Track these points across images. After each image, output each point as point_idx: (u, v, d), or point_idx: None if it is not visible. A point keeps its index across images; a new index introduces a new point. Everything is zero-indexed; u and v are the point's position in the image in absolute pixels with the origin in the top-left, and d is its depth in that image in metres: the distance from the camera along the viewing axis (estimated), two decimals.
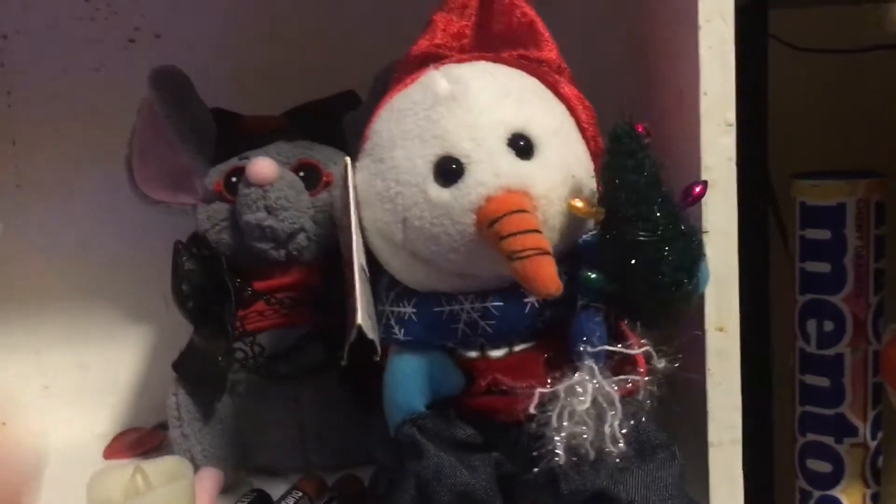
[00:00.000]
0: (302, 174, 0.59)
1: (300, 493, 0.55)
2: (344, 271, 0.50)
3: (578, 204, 0.43)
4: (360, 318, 0.43)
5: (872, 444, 0.73)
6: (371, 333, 0.45)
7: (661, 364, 0.43)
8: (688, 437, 0.51)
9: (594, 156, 0.49)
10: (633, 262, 0.42)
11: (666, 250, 0.41)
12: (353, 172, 0.49)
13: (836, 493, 0.73)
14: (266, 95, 0.68)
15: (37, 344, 0.74)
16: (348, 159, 0.50)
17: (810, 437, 0.74)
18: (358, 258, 0.46)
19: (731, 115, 0.47)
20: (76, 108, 0.72)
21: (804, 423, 0.74)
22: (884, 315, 0.72)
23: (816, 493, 0.74)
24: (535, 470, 0.42)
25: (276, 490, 0.57)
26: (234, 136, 0.63)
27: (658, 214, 0.42)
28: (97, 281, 0.74)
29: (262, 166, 0.56)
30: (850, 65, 0.80)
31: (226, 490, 0.60)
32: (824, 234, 0.72)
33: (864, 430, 0.72)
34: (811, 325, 0.73)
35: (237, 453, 0.61)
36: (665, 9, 0.54)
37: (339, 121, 0.63)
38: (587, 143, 0.49)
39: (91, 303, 0.74)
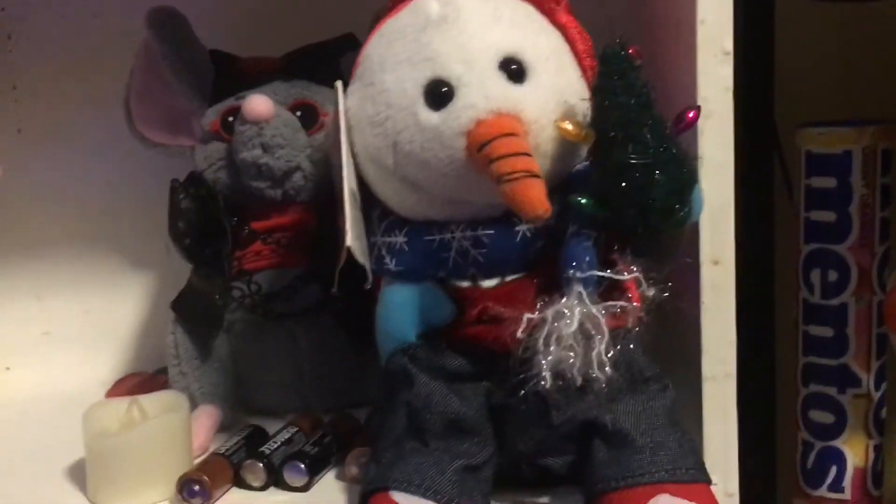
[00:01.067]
0: (299, 114, 0.59)
1: (295, 428, 0.55)
2: (337, 206, 0.50)
3: (568, 126, 0.43)
4: (349, 240, 0.43)
5: (876, 395, 0.72)
6: (361, 257, 0.45)
7: (650, 292, 0.42)
8: (682, 372, 0.51)
9: (590, 86, 0.48)
10: (622, 185, 0.41)
11: (657, 173, 0.41)
12: (345, 97, 0.48)
13: (838, 444, 0.73)
14: (265, 38, 0.68)
15: (38, 289, 0.75)
16: (339, 83, 0.49)
17: (813, 387, 0.73)
18: (348, 183, 0.46)
19: (729, 44, 0.46)
20: (76, 53, 0.72)
21: (807, 374, 0.74)
22: (889, 265, 0.72)
23: (819, 444, 0.74)
24: (522, 394, 0.42)
25: (272, 428, 0.57)
26: (231, 76, 0.62)
27: (649, 137, 0.41)
28: (98, 225, 0.74)
29: (258, 103, 0.56)
30: (860, 13, 0.78)
31: (223, 428, 0.60)
32: (830, 183, 0.71)
33: (868, 380, 0.72)
34: (815, 275, 0.72)
35: (235, 392, 0.61)
36: None
37: (337, 63, 0.63)
38: (584, 72, 0.48)
39: (92, 248, 0.74)
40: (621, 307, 0.42)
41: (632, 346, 0.45)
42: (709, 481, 0.45)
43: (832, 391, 0.73)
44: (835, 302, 0.71)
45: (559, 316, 0.41)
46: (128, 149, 0.66)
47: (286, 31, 0.67)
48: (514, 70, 0.44)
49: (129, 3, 0.71)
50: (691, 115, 0.44)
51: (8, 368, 0.76)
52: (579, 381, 0.41)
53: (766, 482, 0.77)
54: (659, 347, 0.47)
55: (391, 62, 0.46)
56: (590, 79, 0.49)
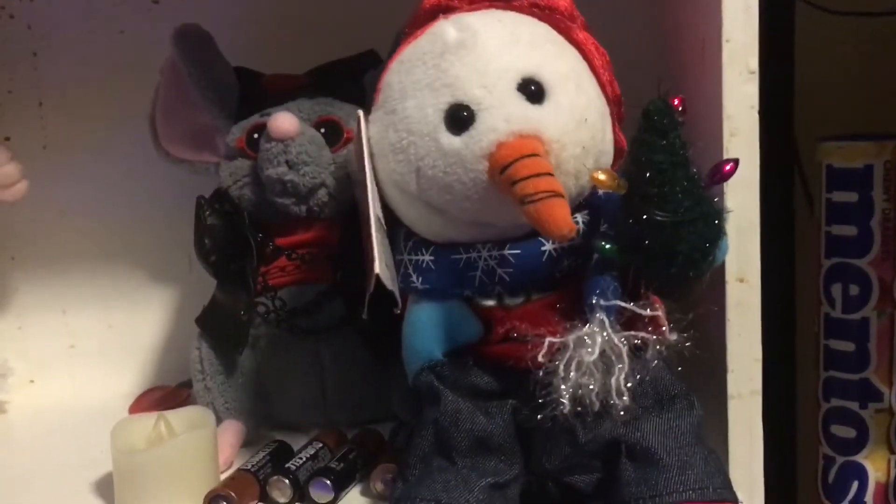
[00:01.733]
0: (323, 130, 0.60)
1: (320, 444, 0.55)
2: (361, 226, 0.50)
3: (601, 177, 0.43)
4: (377, 268, 0.43)
5: None
6: (390, 284, 0.45)
7: (673, 336, 0.43)
8: (708, 390, 0.51)
9: (610, 101, 0.49)
10: (648, 240, 0.41)
11: (683, 232, 0.41)
12: (367, 125, 0.49)
13: (860, 458, 0.73)
14: (289, 55, 0.69)
15: (63, 303, 0.76)
16: (361, 112, 0.50)
17: (834, 402, 0.73)
18: (374, 209, 0.46)
19: (754, 63, 0.46)
20: (101, 70, 0.73)
21: (828, 389, 0.73)
22: None
23: (840, 459, 0.74)
24: (539, 417, 0.42)
25: (296, 444, 0.57)
26: (256, 94, 0.63)
27: (680, 196, 0.41)
28: (122, 241, 0.75)
29: (284, 121, 0.57)
30: (880, 27, 0.79)
31: (247, 443, 0.60)
32: (851, 197, 0.71)
33: (890, 395, 0.72)
34: (836, 290, 0.72)
35: (259, 407, 0.62)
36: None
37: (360, 80, 0.63)
38: (603, 89, 0.48)
39: (116, 263, 0.75)
40: (643, 338, 0.42)
41: (656, 365, 0.45)
42: (736, 500, 0.45)
43: (854, 406, 0.73)
44: (856, 316, 0.71)
45: (581, 343, 0.41)
46: (152, 165, 0.66)
47: (310, 47, 0.68)
48: (532, 91, 0.45)
49: (155, 19, 0.72)
50: (728, 168, 0.44)
51: (32, 381, 0.76)
52: (597, 406, 0.41)
53: (787, 497, 0.77)
54: (685, 364, 0.47)
55: (411, 89, 0.46)
56: (609, 94, 0.49)
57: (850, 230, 0.71)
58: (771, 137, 0.73)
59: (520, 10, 0.49)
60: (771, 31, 0.73)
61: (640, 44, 0.61)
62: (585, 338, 0.41)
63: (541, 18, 0.49)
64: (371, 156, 0.48)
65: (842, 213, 0.71)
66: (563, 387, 0.41)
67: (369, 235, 0.46)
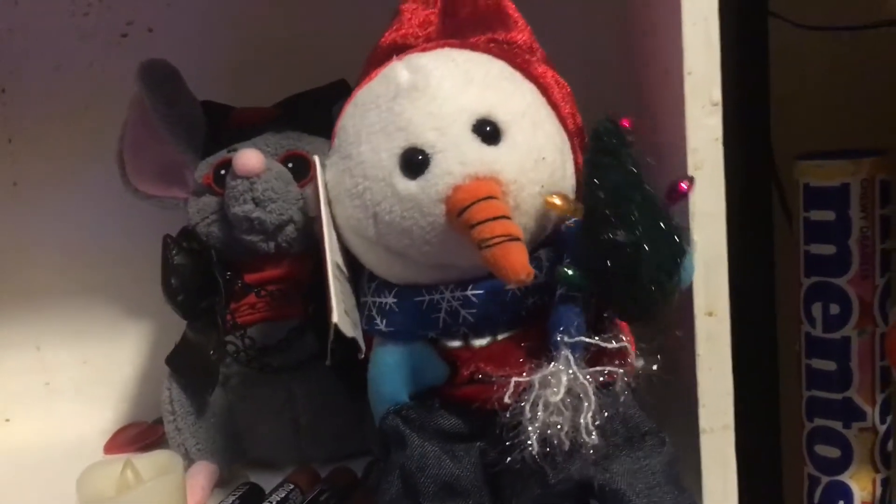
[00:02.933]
0: (290, 165, 0.59)
1: (291, 486, 0.55)
2: (323, 268, 0.49)
3: (556, 201, 0.43)
4: (335, 318, 0.43)
5: (881, 428, 0.72)
6: (350, 331, 0.45)
7: (640, 363, 0.42)
8: (682, 423, 0.50)
9: (572, 134, 0.48)
10: (609, 262, 0.41)
11: (645, 251, 0.41)
12: (323, 170, 0.48)
13: (844, 478, 0.72)
14: (259, 87, 0.68)
15: (37, 340, 0.75)
16: (317, 158, 0.49)
17: (818, 422, 0.73)
18: (332, 256, 0.46)
19: (717, 95, 0.46)
20: (71, 104, 0.73)
21: (811, 408, 0.73)
22: (891, 296, 0.71)
23: (825, 479, 0.73)
24: (508, 460, 0.41)
25: (271, 482, 0.57)
26: (224, 128, 0.63)
27: (637, 215, 0.41)
28: (95, 276, 0.74)
29: (248, 158, 0.56)
30: (854, 42, 0.78)
31: (221, 483, 0.60)
32: (828, 216, 0.70)
33: (873, 414, 0.71)
34: (817, 309, 0.72)
35: (231, 446, 0.61)
36: None
37: (329, 110, 0.62)
38: (563, 122, 0.48)
39: (90, 298, 0.75)
40: (610, 372, 0.41)
41: (625, 402, 0.44)
42: None
43: (837, 425, 0.72)
44: (837, 335, 0.71)
45: (546, 382, 0.41)
46: (124, 200, 0.66)
47: (278, 78, 0.68)
48: (488, 132, 0.44)
49: (123, 53, 0.72)
50: (684, 186, 0.43)
51: (8, 420, 0.76)
52: (567, 446, 0.41)
53: None
54: (658, 398, 0.47)
55: (365, 133, 0.46)
56: (571, 127, 0.49)
57: (828, 249, 0.71)
58: (748, 160, 0.74)
59: (476, 47, 0.48)
60: (746, 55, 0.73)
61: (608, 73, 0.60)
62: (550, 377, 0.41)
63: (498, 54, 0.48)
64: (328, 201, 0.48)
65: (820, 232, 0.71)
66: (530, 428, 0.40)
67: (327, 283, 0.45)
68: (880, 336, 0.70)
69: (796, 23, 0.76)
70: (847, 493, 0.72)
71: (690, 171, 0.46)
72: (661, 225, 0.42)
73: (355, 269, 0.49)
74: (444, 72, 0.45)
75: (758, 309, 0.75)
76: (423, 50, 0.48)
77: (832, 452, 0.73)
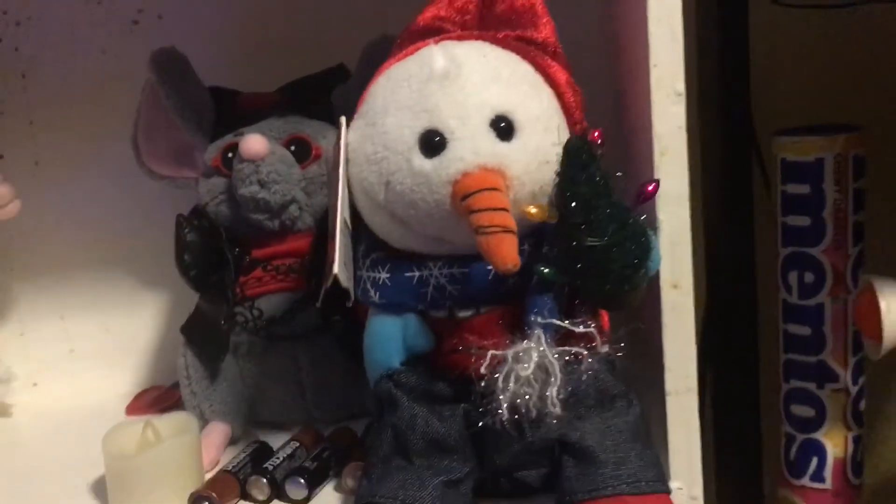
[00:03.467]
0: (293, 148, 0.63)
1: (297, 444, 0.59)
2: (329, 224, 0.53)
3: (532, 210, 0.46)
4: (336, 268, 0.47)
5: (853, 389, 0.76)
6: (346, 282, 0.49)
7: (604, 348, 0.47)
8: (650, 386, 0.54)
9: None
10: (581, 262, 0.45)
11: (613, 252, 0.45)
12: (347, 131, 0.52)
13: (818, 436, 0.77)
14: (264, 70, 0.72)
15: (61, 310, 0.80)
16: (343, 119, 0.52)
17: (794, 383, 0.77)
18: (342, 212, 0.50)
19: (681, 86, 0.49)
20: (86, 87, 0.76)
21: (788, 370, 0.77)
22: (863, 265, 0.75)
23: (800, 437, 0.78)
24: (479, 424, 0.46)
25: (278, 441, 0.61)
26: (230, 112, 0.66)
27: (605, 222, 0.44)
28: (115, 250, 0.78)
29: (254, 143, 0.60)
30: (834, 19, 0.81)
31: (234, 441, 0.65)
32: (804, 189, 0.74)
33: (845, 375, 0.75)
34: (793, 277, 0.75)
35: (242, 409, 0.66)
36: None
37: (329, 94, 0.66)
38: (573, 128, 0.51)
39: (111, 270, 0.79)
40: (576, 353, 0.46)
41: (598, 367, 0.49)
42: (668, 491, 0.49)
43: (811, 386, 0.76)
44: (811, 302, 0.75)
45: (518, 357, 0.45)
46: (139, 178, 0.70)
47: (282, 63, 0.71)
48: (503, 128, 0.48)
49: (134, 39, 0.76)
50: (650, 188, 0.47)
51: (35, 384, 0.80)
52: (534, 414, 0.45)
53: (753, 473, 0.81)
54: (630, 364, 0.51)
55: (393, 107, 0.49)
56: (577, 132, 0.52)
57: (803, 220, 0.74)
58: (730, 134, 0.77)
59: (507, 44, 0.51)
60: (727, 33, 0.76)
61: (594, 66, 0.64)
62: (522, 353, 0.45)
63: (524, 54, 0.51)
64: (346, 161, 0.51)
65: (796, 204, 0.75)
66: (501, 396, 0.45)
67: (334, 235, 0.49)
68: (853, 303, 0.74)
69: (777, 1, 0.79)
70: (821, 450, 0.77)
71: (656, 157, 0.50)
72: (629, 229, 0.45)
73: (354, 239, 0.53)
74: (475, 65, 0.49)
75: (738, 276, 0.79)
76: (460, 38, 0.51)
77: (807, 412, 0.77)
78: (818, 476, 0.77)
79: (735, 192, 0.78)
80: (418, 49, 0.51)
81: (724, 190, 0.77)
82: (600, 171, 0.45)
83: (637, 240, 0.46)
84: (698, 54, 0.76)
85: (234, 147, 0.63)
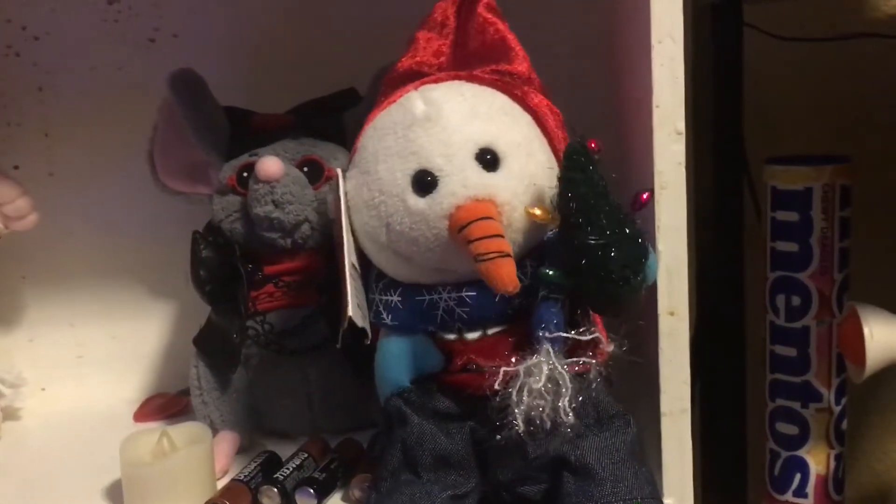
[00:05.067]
0: (306, 169, 0.65)
1: (306, 454, 0.62)
2: (338, 266, 0.56)
3: (536, 211, 0.50)
4: (350, 310, 0.50)
5: (836, 409, 0.79)
6: (361, 322, 0.52)
7: (610, 348, 0.49)
8: (647, 407, 0.57)
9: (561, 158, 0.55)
10: (582, 262, 0.48)
11: (612, 252, 0.47)
12: (344, 181, 0.55)
13: (802, 453, 0.79)
14: (277, 90, 0.74)
15: (71, 317, 0.82)
16: (340, 170, 0.56)
17: (779, 402, 0.80)
18: (348, 257, 0.53)
19: (681, 125, 0.52)
20: (102, 103, 0.79)
21: (774, 390, 0.80)
22: (848, 290, 0.78)
23: (784, 454, 0.80)
24: (498, 437, 0.48)
25: (286, 451, 0.64)
26: (245, 133, 0.68)
27: (605, 222, 0.47)
28: (124, 260, 0.81)
29: (270, 165, 0.62)
30: (827, 53, 0.84)
31: (242, 451, 0.67)
32: (792, 216, 0.77)
33: (829, 396, 0.78)
34: (780, 300, 0.78)
35: (252, 419, 0.68)
36: (626, 30, 0.59)
37: (341, 117, 0.69)
38: (555, 146, 0.54)
39: (120, 279, 0.81)
40: (584, 362, 0.48)
41: (597, 388, 0.51)
42: None
43: (796, 405, 0.79)
44: (798, 325, 0.78)
45: (530, 372, 0.48)
46: (151, 190, 0.72)
47: (295, 84, 0.73)
48: (488, 160, 0.51)
49: (150, 56, 0.78)
50: (645, 196, 0.50)
51: (44, 389, 0.82)
52: (549, 425, 0.48)
53: (738, 489, 0.84)
54: (628, 387, 0.54)
55: (383, 154, 0.52)
56: (562, 151, 0.55)
57: (791, 246, 0.77)
58: (723, 163, 0.80)
59: (482, 79, 0.55)
60: (722, 65, 0.79)
61: (594, 104, 0.67)
62: (533, 367, 0.48)
63: (499, 86, 0.54)
64: (348, 209, 0.54)
65: (785, 231, 0.78)
66: (516, 410, 0.48)
67: (344, 280, 0.52)
68: (837, 328, 0.77)
69: (770, 33, 0.82)
70: (804, 467, 0.80)
71: (657, 190, 0.52)
72: (626, 230, 0.48)
73: (365, 268, 0.56)
74: (454, 105, 0.52)
75: (728, 298, 0.82)
76: (437, 81, 0.54)
77: (791, 430, 0.80)
78: (801, 492, 0.80)
79: (727, 217, 0.81)
80: (399, 97, 0.54)
81: (716, 215, 0.80)
82: (598, 173, 0.48)
83: (634, 241, 0.48)
84: (693, 84, 0.79)
85: (249, 167, 0.65)
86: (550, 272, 0.49)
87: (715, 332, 0.82)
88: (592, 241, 0.47)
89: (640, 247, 0.48)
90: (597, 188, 0.48)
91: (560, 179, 0.49)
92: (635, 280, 0.48)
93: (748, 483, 0.84)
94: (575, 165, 0.48)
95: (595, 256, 0.47)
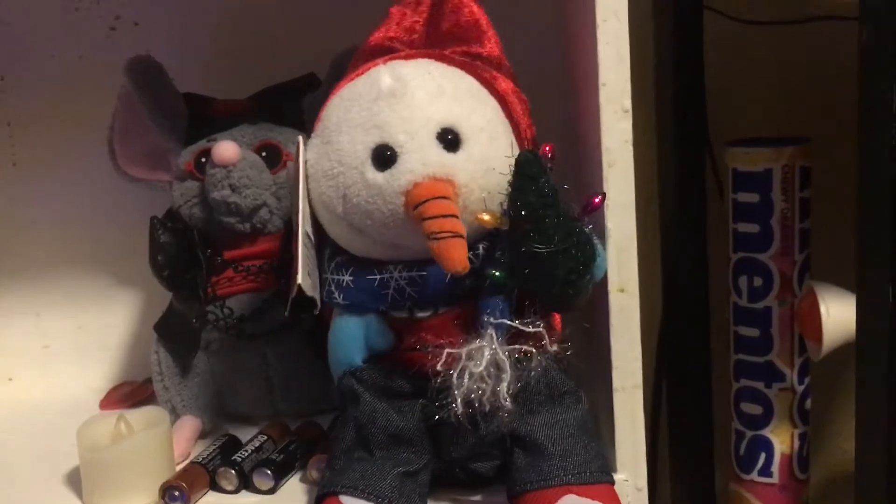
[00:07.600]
0: (264, 154, 0.66)
1: (265, 437, 0.62)
2: (293, 236, 0.56)
3: (485, 217, 0.49)
4: (300, 278, 0.50)
5: (799, 389, 0.79)
6: (310, 291, 0.52)
7: (553, 347, 0.50)
8: (600, 383, 0.58)
9: (529, 143, 0.55)
10: (529, 267, 0.48)
11: (559, 259, 0.48)
12: (305, 149, 0.55)
13: (766, 433, 0.80)
14: (237, 78, 0.74)
15: (37, 307, 0.82)
16: (301, 137, 0.56)
17: (744, 382, 0.81)
18: (303, 225, 0.53)
19: (628, 103, 0.52)
20: (64, 92, 0.78)
21: (738, 370, 0.81)
22: (810, 271, 0.79)
23: (749, 433, 0.81)
24: (436, 417, 0.49)
25: (248, 434, 0.64)
26: (203, 118, 0.69)
27: (552, 231, 0.48)
28: (89, 249, 0.81)
29: (225, 149, 0.63)
30: (787, 36, 0.85)
31: (204, 435, 0.67)
32: (753, 198, 0.78)
33: (792, 375, 0.79)
34: (743, 281, 0.79)
35: (213, 403, 0.68)
36: (573, 9, 0.60)
37: (300, 102, 0.69)
38: (521, 133, 0.54)
39: (84, 269, 0.81)
40: (525, 351, 0.49)
41: (549, 365, 0.52)
42: (611, 482, 0.52)
43: (760, 385, 0.80)
44: (760, 305, 0.79)
45: (471, 355, 0.48)
46: (114, 180, 0.72)
47: (254, 71, 0.74)
48: (450, 140, 0.51)
49: (111, 45, 0.78)
50: (596, 200, 0.51)
51: (11, 379, 0.82)
52: (487, 409, 0.48)
53: (705, 469, 0.84)
54: (584, 365, 0.54)
55: (346, 125, 0.52)
56: (528, 137, 0.55)
57: (753, 228, 0.78)
58: (685, 145, 0.80)
59: (451, 60, 0.55)
60: (682, 48, 0.79)
61: (546, 82, 0.67)
62: (475, 351, 0.48)
63: (469, 69, 0.54)
64: (306, 178, 0.54)
65: (746, 212, 0.78)
66: (456, 392, 0.48)
67: (296, 248, 0.52)
68: (796, 305, 0.78)
69: (731, 16, 0.83)
70: (768, 446, 0.81)
71: (605, 168, 0.53)
72: (574, 237, 0.49)
73: (319, 247, 0.56)
74: (421, 83, 0.52)
75: (693, 280, 0.82)
76: (406, 58, 0.54)
77: (755, 409, 0.81)
78: (766, 471, 0.81)
79: (690, 199, 0.82)
80: (368, 69, 0.54)
81: (680, 197, 0.81)
82: (549, 183, 0.48)
83: (582, 248, 0.49)
84: (655, 67, 0.80)
85: (207, 152, 0.65)
86: (498, 274, 0.49)
87: (681, 314, 0.83)
88: (538, 250, 0.47)
89: (586, 252, 0.49)
90: (546, 198, 0.48)
91: (510, 185, 0.49)
92: (581, 283, 0.49)
93: (715, 464, 0.85)
94: (525, 174, 0.48)
95: (540, 265, 0.48)
